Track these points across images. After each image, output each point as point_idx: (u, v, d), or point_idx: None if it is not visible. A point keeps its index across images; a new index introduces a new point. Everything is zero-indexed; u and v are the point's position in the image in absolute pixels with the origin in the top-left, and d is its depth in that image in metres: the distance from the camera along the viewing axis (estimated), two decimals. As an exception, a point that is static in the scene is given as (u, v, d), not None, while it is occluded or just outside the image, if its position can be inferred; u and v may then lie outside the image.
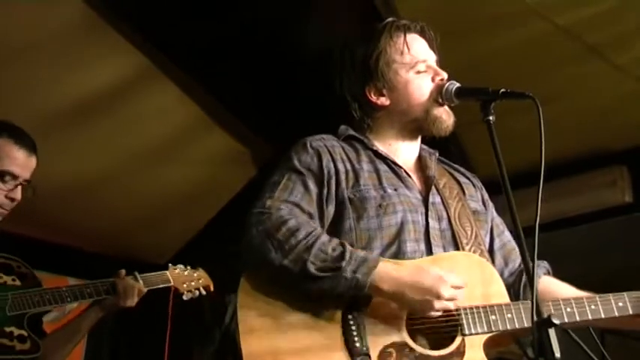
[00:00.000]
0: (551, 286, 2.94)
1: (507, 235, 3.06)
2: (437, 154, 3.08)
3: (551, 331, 2.15)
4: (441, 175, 3.02)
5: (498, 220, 3.09)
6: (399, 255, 2.71)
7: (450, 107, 2.94)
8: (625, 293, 2.72)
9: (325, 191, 2.78)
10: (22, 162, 3.47)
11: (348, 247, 2.58)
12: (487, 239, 2.99)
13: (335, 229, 2.77)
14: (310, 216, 2.73)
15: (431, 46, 3.01)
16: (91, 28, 4.89)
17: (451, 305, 2.55)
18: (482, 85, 2.64)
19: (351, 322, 2.57)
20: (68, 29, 4.86)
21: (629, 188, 5.92)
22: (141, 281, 3.72)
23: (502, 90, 2.53)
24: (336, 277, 2.52)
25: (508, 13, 4.95)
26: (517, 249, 2.97)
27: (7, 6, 4.57)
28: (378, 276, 2.53)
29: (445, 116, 2.92)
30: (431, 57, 2.98)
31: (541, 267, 3.01)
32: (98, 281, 3.65)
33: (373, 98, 2.96)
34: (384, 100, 2.95)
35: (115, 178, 5.93)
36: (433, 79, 2.93)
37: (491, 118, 2.52)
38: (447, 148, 6.01)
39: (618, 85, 5.42)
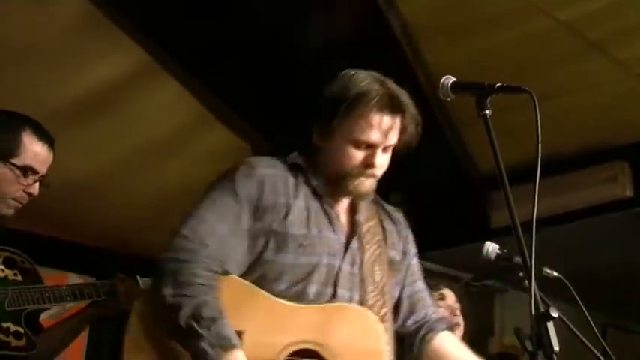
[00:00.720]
0: (445, 342, 3.00)
1: (419, 285, 3.10)
2: (370, 198, 3.04)
3: (550, 324, 2.16)
4: (370, 218, 3.01)
5: (415, 267, 3.11)
6: (302, 295, 2.74)
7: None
8: None
9: (258, 226, 2.79)
10: (43, 158, 3.44)
11: (222, 321, 2.59)
12: (397, 288, 3.02)
13: (256, 258, 2.79)
14: (233, 249, 2.75)
15: (400, 130, 2.90)
16: (93, 25, 4.90)
17: None
18: (481, 80, 2.64)
19: None
20: (69, 26, 4.88)
21: (630, 183, 5.93)
22: (142, 285, 3.72)
23: (498, 84, 2.53)
24: (195, 341, 2.56)
25: (509, 8, 4.96)
26: (426, 300, 3.07)
27: (8, 4, 4.58)
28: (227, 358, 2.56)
29: (357, 183, 2.88)
30: (381, 143, 2.85)
31: (443, 322, 3.07)
32: (99, 282, 3.65)
33: (315, 132, 2.93)
34: (321, 143, 2.91)
35: (116, 173, 5.95)
36: (364, 162, 2.85)
37: (487, 112, 2.52)
38: (449, 146, 6.09)
39: (619, 81, 5.43)
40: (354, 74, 2.87)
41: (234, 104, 5.78)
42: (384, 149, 2.87)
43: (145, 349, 2.70)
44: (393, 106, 2.83)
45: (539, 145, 2.36)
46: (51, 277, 3.79)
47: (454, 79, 2.74)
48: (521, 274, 3.38)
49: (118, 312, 3.60)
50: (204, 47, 5.28)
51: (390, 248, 3.02)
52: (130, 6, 4.94)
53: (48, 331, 3.65)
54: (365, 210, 2.99)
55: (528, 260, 2.28)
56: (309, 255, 2.79)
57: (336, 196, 2.95)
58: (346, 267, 2.85)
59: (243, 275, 2.76)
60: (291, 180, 2.90)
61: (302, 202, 2.87)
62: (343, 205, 2.98)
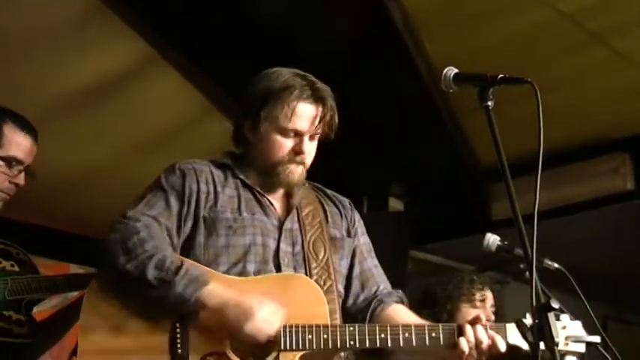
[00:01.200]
0: (395, 312, 3.07)
1: (369, 262, 3.21)
2: (306, 185, 3.20)
3: (551, 316, 2.17)
4: (309, 203, 3.16)
5: (365, 247, 3.23)
6: (242, 274, 2.88)
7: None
8: (440, 325, 2.82)
9: (185, 209, 2.95)
10: (27, 148, 3.49)
11: (186, 266, 2.76)
12: (343, 263, 3.13)
13: (188, 244, 2.94)
14: (167, 229, 2.91)
15: (320, 119, 3.04)
16: (94, 15, 4.90)
17: (265, 327, 2.71)
18: (483, 72, 2.64)
19: (178, 331, 2.76)
20: (70, 17, 4.88)
21: (631, 175, 5.94)
22: None
23: (500, 76, 2.54)
24: (167, 289, 2.70)
25: (511, 1, 4.95)
26: (376, 277, 3.17)
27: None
28: (204, 293, 2.71)
29: (289, 172, 3.03)
30: (307, 130, 3.02)
31: (394, 295, 3.15)
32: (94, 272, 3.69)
33: (244, 130, 3.09)
34: (250, 137, 3.07)
35: (118, 165, 5.95)
36: (293, 149, 3.02)
37: (489, 103, 2.53)
38: (451, 137, 6.09)
39: (621, 73, 5.43)
40: (275, 71, 3.08)
41: (236, 94, 5.78)
42: (311, 137, 3.04)
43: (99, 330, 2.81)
44: (316, 97, 3.02)
45: (541, 136, 2.36)
46: (51, 267, 3.81)
47: (456, 70, 2.75)
48: (522, 265, 3.40)
49: None
50: (205, 36, 5.28)
51: (332, 227, 3.16)
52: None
53: (47, 319, 3.68)
54: (301, 196, 3.14)
55: (529, 252, 2.29)
56: (241, 236, 2.94)
57: (268, 187, 3.09)
58: (285, 247, 2.99)
59: None
60: (218, 174, 3.07)
61: (231, 191, 3.04)
62: (277, 194, 3.12)
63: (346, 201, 3.31)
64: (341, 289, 3.08)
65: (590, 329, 2.90)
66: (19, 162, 3.46)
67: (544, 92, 2.43)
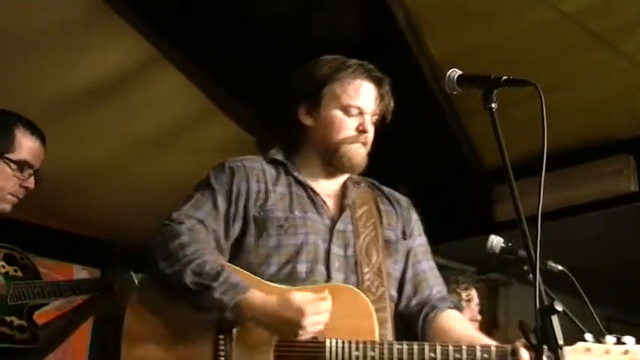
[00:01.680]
0: (448, 319, 2.98)
1: (424, 265, 3.13)
2: (362, 183, 3.13)
3: (554, 318, 2.16)
4: (363, 203, 3.08)
5: (420, 249, 3.15)
6: (293, 274, 2.82)
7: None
8: (492, 345, 2.70)
9: (233, 209, 2.89)
10: (37, 152, 3.52)
11: (227, 272, 2.69)
12: (398, 267, 3.05)
13: (237, 246, 2.88)
14: (214, 232, 2.85)
15: (380, 99, 3.04)
16: (96, 15, 4.89)
17: (311, 333, 2.63)
18: (486, 73, 2.64)
19: (221, 342, 2.70)
20: (72, 16, 4.87)
21: (635, 177, 5.93)
22: (136, 281, 3.75)
23: (504, 77, 2.53)
24: (207, 295, 2.64)
25: (512, 1, 4.94)
26: (430, 281, 3.08)
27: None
28: (244, 302, 2.64)
29: (353, 153, 2.99)
30: (369, 109, 3.01)
31: (448, 300, 3.07)
32: (96, 278, 3.71)
33: (302, 114, 3.02)
34: (309, 121, 3.02)
35: (120, 165, 5.95)
36: (357, 128, 2.98)
37: (493, 105, 2.52)
38: (454, 139, 6.08)
39: (624, 74, 5.41)
40: (331, 57, 3.06)
41: (238, 94, 5.77)
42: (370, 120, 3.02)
43: (143, 341, 2.77)
44: (376, 78, 3.03)
45: (545, 138, 2.35)
46: (54, 268, 3.81)
47: (460, 72, 2.74)
48: (525, 267, 3.39)
49: (115, 309, 3.63)
50: (207, 36, 5.27)
51: (386, 229, 3.07)
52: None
53: (49, 324, 3.69)
54: (356, 195, 3.06)
55: (533, 254, 2.28)
56: (292, 235, 2.87)
57: (322, 184, 3.03)
58: (336, 249, 2.90)
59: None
60: (270, 171, 3.01)
61: (283, 189, 2.97)
62: (329, 191, 3.05)
63: (404, 200, 3.22)
64: (394, 293, 3.01)
65: (593, 330, 2.89)
66: (30, 166, 3.48)
67: (547, 93, 2.42)
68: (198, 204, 2.88)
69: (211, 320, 2.71)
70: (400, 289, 3.05)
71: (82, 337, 6.36)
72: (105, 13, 4.90)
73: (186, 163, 6.02)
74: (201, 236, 2.80)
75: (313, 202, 2.97)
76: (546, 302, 2.22)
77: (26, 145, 3.47)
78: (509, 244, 3.73)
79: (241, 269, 2.79)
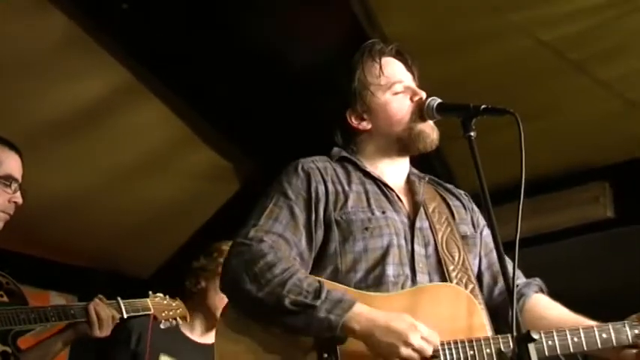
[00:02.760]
0: (539, 304, 2.86)
1: (496, 254, 3.00)
2: (426, 178, 3.04)
3: (531, 347, 2.16)
4: (431, 199, 2.96)
5: (488, 238, 2.99)
6: (382, 278, 2.66)
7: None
8: (610, 324, 2.65)
9: (313, 216, 2.73)
10: (18, 166, 3.54)
11: (325, 287, 2.53)
12: (476, 261, 2.93)
13: (322, 252, 2.72)
14: (296, 246, 2.69)
15: (407, 67, 3.00)
16: (75, 43, 4.90)
17: (416, 356, 2.46)
18: (465, 101, 2.65)
19: None
20: (52, 44, 4.87)
21: (611, 204, 5.95)
22: (123, 307, 3.72)
23: (483, 106, 2.54)
24: (310, 315, 2.48)
25: (492, 30, 4.98)
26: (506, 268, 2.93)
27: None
28: (351, 317, 2.47)
29: (429, 130, 2.89)
30: (407, 78, 2.96)
31: (533, 285, 2.93)
32: (82, 303, 3.68)
33: (354, 123, 2.93)
34: (365, 125, 2.92)
35: (99, 192, 5.92)
36: (412, 99, 2.90)
37: (472, 134, 2.53)
38: (431, 163, 6.09)
39: (601, 102, 5.45)
40: (351, 59, 3.00)
41: (216, 123, 5.78)
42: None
43: None
44: (398, 53, 3.02)
45: (523, 165, 2.37)
46: (31, 295, 3.78)
47: (439, 100, 2.76)
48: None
49: (94, 335, 3.60)
50: (187, 65, 5.28)
51: (460, 224, 2.95)
52: (113, 25, 4.94)
53: (29, 350, 3.65)
54: (423, 192, 2.95)
55: (510, 281, 2.28)
56: (378, 237, 2.72)
57: (390, 178, 2.92)
58: (419, 249, 2.78)
59: (313, 274, 2.67)
60: (340, 170, 2.87)
61: (358, 187, 2.83)
62: (400, 186, 2.94)
63: (463, 192, 3.12)
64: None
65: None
66: (15, 180, 3.49)
67: (525, 121, 2.44)
68: (274, 215, 2.70)
69: (309, 339, 2.54)
70: (479, 282, 2.88)
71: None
72: (85, 42, 4.90)
73: (166, 190, 6.03)
74: (285, 253, 2.63)
75: (389, 199, 2.84)
76: (523, 330, 2.23)
77: (8, 160, 3.48)
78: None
79: (331, 281, 2.63)
